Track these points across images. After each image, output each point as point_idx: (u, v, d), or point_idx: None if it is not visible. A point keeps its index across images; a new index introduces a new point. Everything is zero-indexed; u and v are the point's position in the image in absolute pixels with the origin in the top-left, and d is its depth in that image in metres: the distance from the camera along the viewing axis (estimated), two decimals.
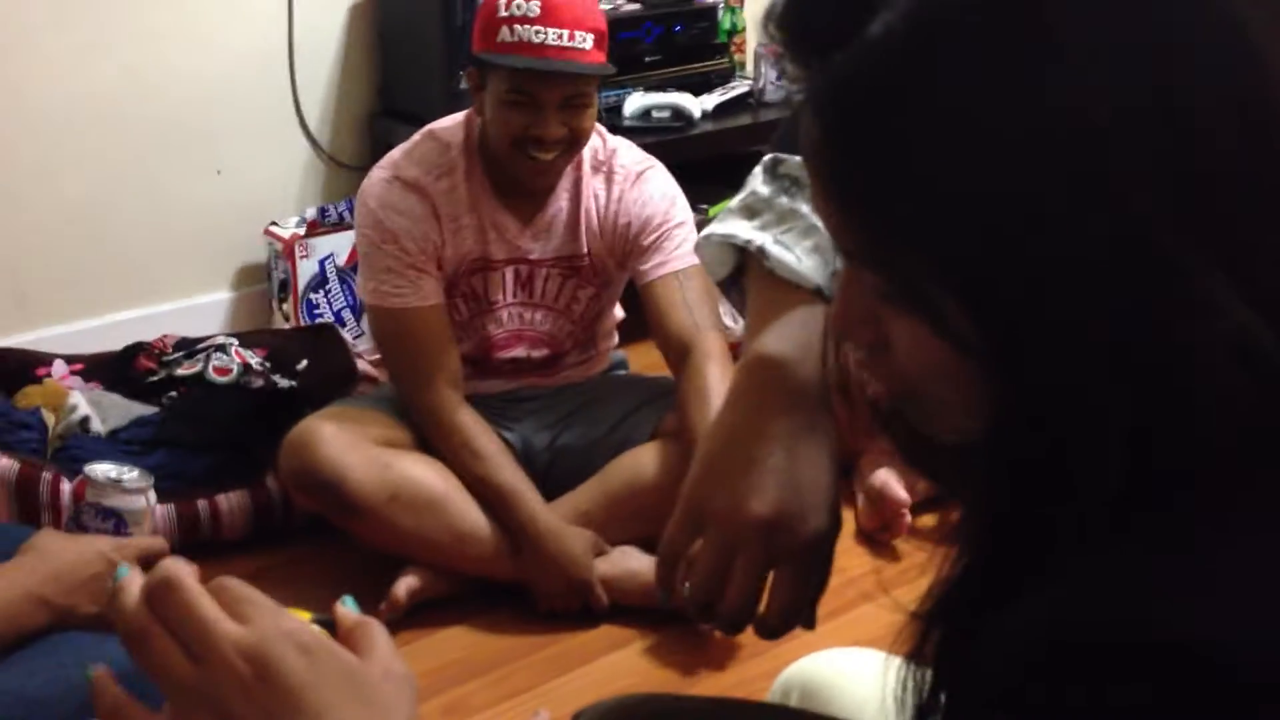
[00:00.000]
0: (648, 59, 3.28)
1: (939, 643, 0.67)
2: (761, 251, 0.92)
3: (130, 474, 1.51)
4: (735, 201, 0.97)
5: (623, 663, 2.07)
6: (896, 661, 0.70)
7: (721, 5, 3.45)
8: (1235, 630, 0.54)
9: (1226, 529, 0.57)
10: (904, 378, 0.65)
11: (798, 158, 0.94)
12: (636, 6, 3.30)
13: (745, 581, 0.86)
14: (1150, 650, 0.54)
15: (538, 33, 2.10)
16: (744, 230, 0.94)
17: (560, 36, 2.10)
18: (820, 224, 0.88)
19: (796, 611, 0.88)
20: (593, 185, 2.29)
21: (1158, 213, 0.56)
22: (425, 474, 2.18)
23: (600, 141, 2.32)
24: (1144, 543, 0.57)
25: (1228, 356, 0.56)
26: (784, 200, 0.94)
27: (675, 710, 1.02)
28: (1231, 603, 0.55)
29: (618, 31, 3.19)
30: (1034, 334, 0.58)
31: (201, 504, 2.31)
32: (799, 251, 0.91)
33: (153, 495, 1.53)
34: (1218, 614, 0.54)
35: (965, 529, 0.67)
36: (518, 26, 2.11)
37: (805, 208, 0.93)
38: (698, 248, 0.98)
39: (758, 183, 0.96)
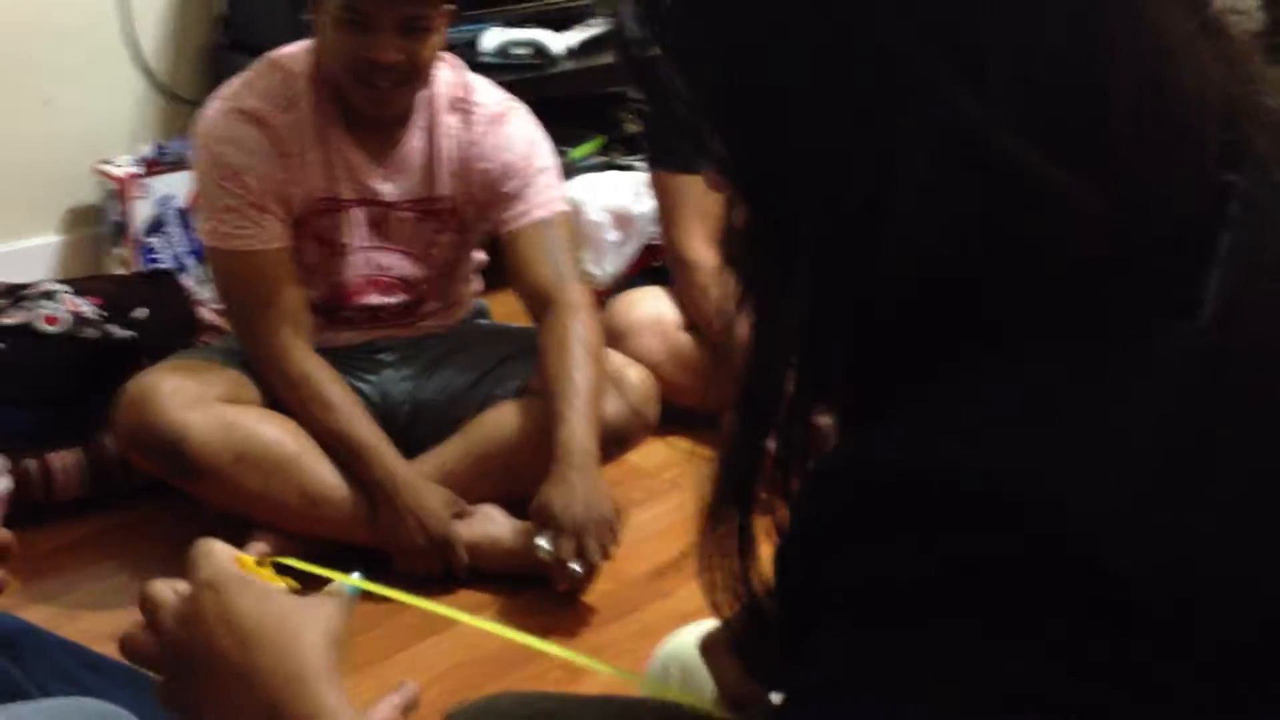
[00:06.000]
0: None
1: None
2: None
3: None
4: None
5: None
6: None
7: None
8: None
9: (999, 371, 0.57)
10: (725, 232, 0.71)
11: None
12: None
13: None
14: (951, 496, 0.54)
15: None
16: None
17: None
18: None
19: None
20: (449, 123, 2.17)
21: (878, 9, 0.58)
22: (274, 433, 2.06)
23: (456, 77, 2.20)
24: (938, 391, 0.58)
25: (945, 143, 0.57)
26: None
27: (549, 711, 1.02)
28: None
29: None
30: (764, 135, 0.63)
31: (31, 463, 2.18)
32: None
33: (5, 481, 1.39)
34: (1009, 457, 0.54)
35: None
36: None
37: None
38: None
39: None
